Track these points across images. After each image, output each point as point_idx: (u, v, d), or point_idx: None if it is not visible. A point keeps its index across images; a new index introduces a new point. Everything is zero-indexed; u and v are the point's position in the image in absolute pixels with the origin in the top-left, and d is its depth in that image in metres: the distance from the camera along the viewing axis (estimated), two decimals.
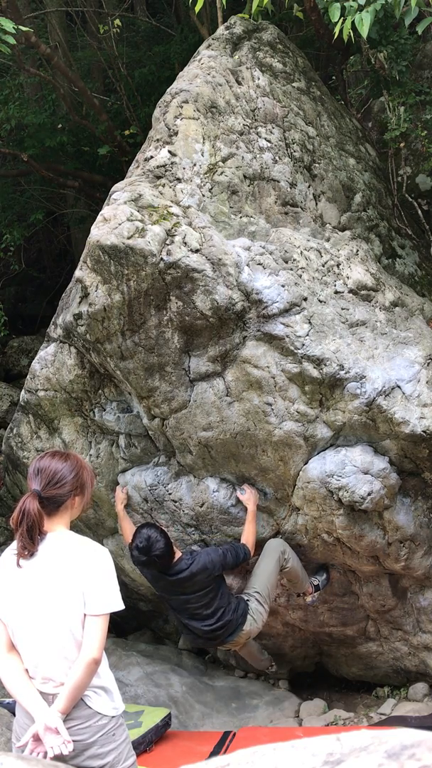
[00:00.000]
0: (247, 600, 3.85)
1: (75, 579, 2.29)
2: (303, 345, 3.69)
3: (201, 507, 4.08)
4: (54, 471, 2.38)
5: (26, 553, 2.31)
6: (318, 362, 3.69)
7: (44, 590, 2.30)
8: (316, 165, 4.48)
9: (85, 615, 2.29)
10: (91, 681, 2.31)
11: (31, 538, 2.30)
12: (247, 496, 3.96)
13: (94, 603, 2.29)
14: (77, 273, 3.86)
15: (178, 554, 3.74)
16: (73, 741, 2.28)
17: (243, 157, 4.12)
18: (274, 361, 3.73)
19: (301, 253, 3.96)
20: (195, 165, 3.96)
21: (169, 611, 3.88)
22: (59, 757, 2.23)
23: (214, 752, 3.82)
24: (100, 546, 2.39)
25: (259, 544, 4.03)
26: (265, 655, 4.55)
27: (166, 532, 3.73)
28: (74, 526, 2.54)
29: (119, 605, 2.33)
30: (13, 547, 2.38)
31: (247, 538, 3.89)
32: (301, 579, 4.08)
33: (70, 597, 2.29)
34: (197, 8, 4.83)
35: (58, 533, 2.38)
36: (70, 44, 8.76)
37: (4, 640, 2.35)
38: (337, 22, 4.22)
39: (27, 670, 2.34)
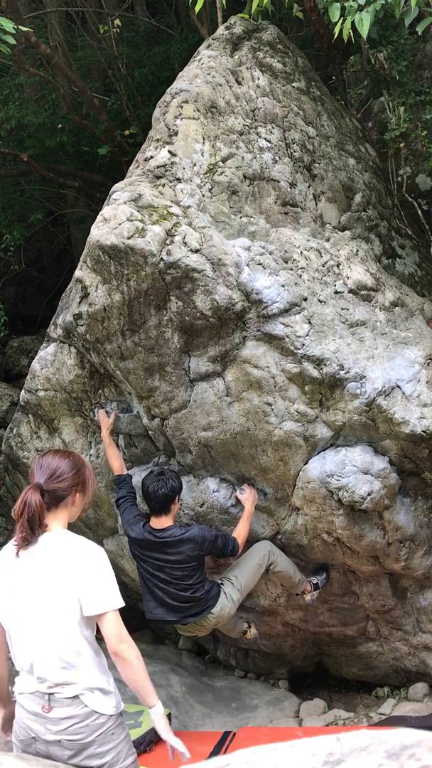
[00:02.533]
0: (221, 583, 3.83)
1: (70, 580, 2.30)
2: (303, 345, 3.68)
3: (201, 507, 4.08)
4: (56, 466, 2.43)
5: (26, 544, 2.34)
6: (318, 362, 3.69)
7: (39, 591, 2.31)
8: (316, 165, 4.48)
9: (82, 616, 2.30)
10: (120, 674, 2.38)
11: (32, 529, 2.33)
12: (246, 496, 3.95)
13: (94, 603, 2.29)
14: (77, 273, 3.86)
15: (171, 521, 3.72)
16: (71, 740, 2.29)
17: (243, 157, 4.12)
18: (274, 361, 3.73)
19: (301, 253, 3.96)
20: (195, 165, 3.96)
21: (139, 574, 3.81)
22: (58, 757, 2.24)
23: (214, 752, 3.82)
24: (95, 545, 2.39)
25: (252, 544, 4.03)
26: (241, 625, 4.36)
27: (181, 482, 3.79)
28: (74, 526, 2.54)
29: (119, 603, 2.33)
30: (14, 541, 2.40)
31: (239, 533, 3.85)
32: (295, 580, 4.07)
33: (64, 598, 2.29)
34: (197, 8, 4.82)
35: (55, 532, 2.39)
36: (70, 44, 8.76)
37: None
38: (337, 22, 4.22)
39: (22, 669, 2.35)
